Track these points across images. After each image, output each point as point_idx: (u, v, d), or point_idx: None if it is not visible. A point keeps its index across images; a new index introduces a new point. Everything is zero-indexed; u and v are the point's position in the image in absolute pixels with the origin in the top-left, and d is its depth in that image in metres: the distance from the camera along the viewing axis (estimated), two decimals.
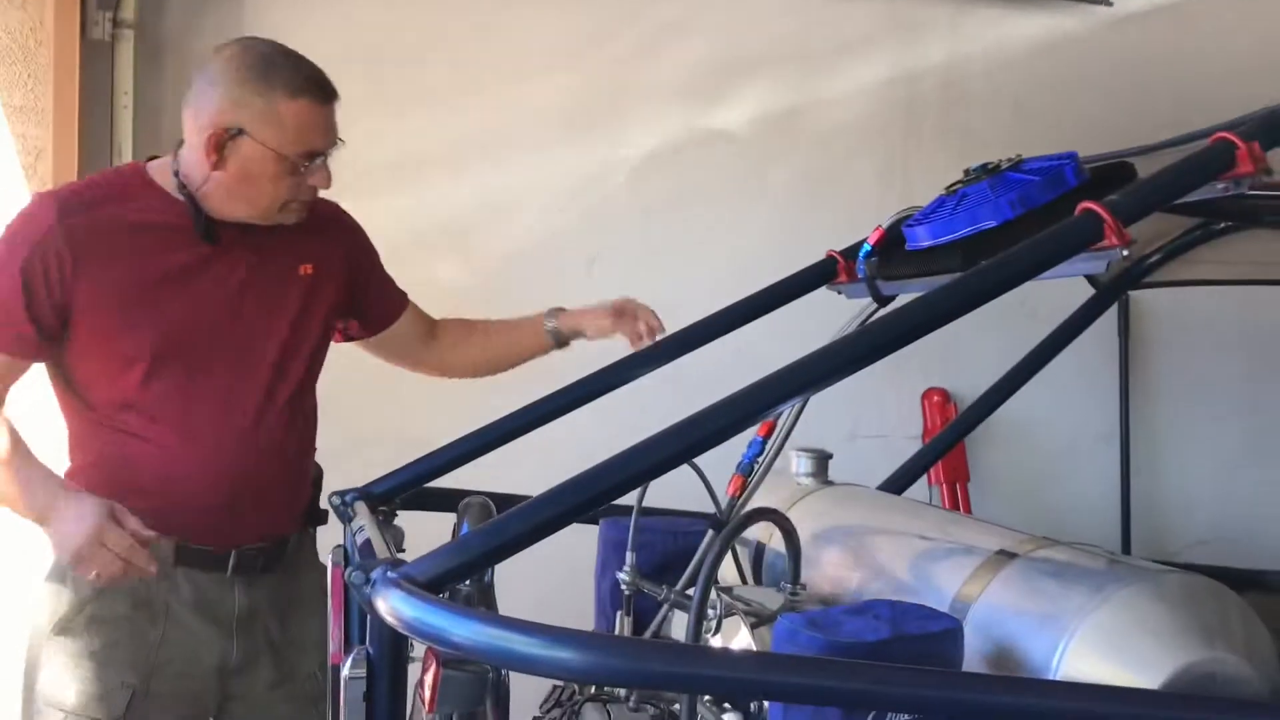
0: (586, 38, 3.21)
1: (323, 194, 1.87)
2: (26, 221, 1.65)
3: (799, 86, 3.35)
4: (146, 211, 1.68)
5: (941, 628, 1.13)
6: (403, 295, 2.05)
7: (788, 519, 1.46)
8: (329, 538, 1.82)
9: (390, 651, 1.10)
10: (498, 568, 1.27)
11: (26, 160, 2.47)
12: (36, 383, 1.76)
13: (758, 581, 1.78)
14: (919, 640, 1.10)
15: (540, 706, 1.73)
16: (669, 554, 1.74)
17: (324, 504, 1.89)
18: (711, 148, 3.28)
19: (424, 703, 1.13)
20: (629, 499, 1.47)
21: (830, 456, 1.92)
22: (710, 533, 1.70)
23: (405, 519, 1.84)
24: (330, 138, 1.70)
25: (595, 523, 1.80)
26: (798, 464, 1.91)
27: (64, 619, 1.67)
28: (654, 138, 3.26)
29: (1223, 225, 2.32)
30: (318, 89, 1.68)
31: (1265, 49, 3.30)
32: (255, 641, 1.75)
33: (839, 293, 1.92)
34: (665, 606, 1.64)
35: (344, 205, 3.20)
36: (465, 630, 0.96)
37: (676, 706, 1.47)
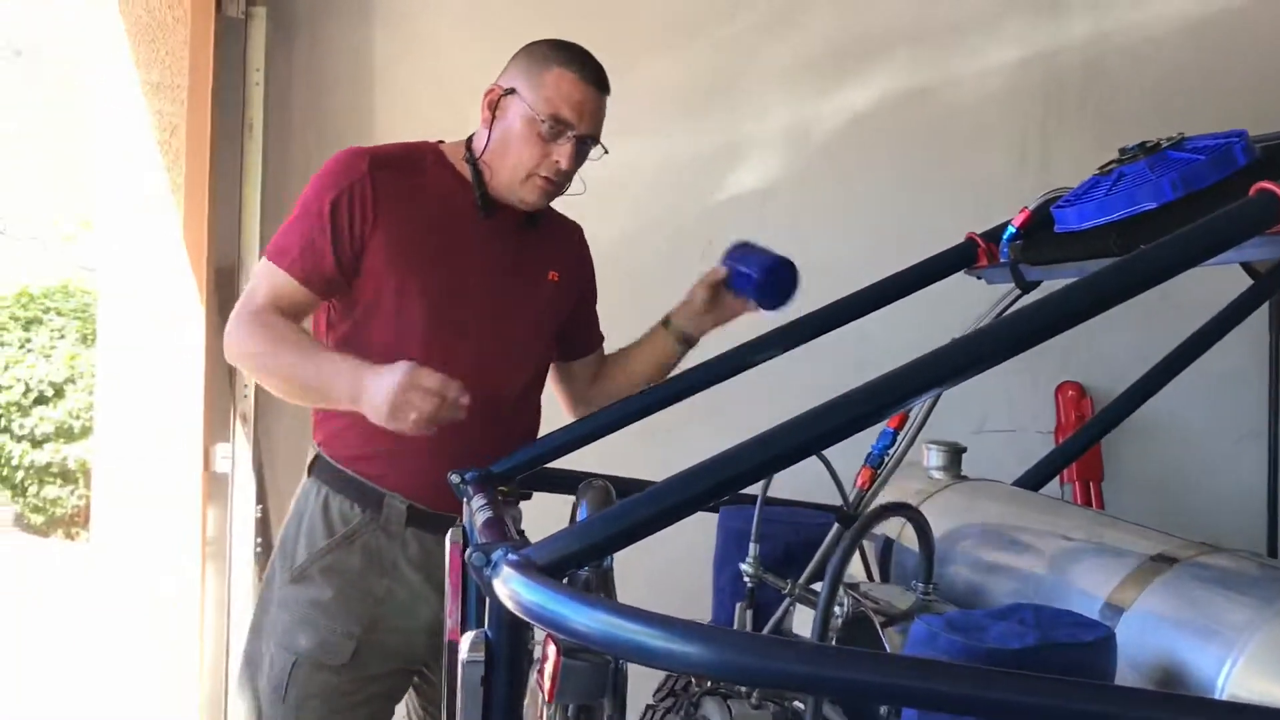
0: (705, 16, 3.15)
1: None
2: (340, 165, 1.78)
3: (928, 65, 3.24)
4: (438, 184, 1.83)
5: (1094, 636, 1.05)
6: (601, 335, 2.15)
7: (922, 515, 1.39)
8: None
9: (509, 636, 1.07)
10: None
11: (161, 136, 2.51)
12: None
13: (884, 578, 1.72)
14: (1069, 649, 1.02)
15: (654, 695, 1.70)
16: (792, 546, 1.69)
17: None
18: (835, 129, 3.20)
19: (542, 690, 1.09)
20: (752, 488, 1.41)
21: (964, 450, 1.84)
22: (836, 526, 1.65)
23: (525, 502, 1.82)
24: (582, 117, 1.77)
25: (714, 510, 1.76)
26: (929, 457, 1.83)
27: (300, 568, 1.80)
28: (774, 119, 3.19)
29: None
30: (583, 65, 1.79)
31: None
32: None
33: (978, 277, 1.83)
34: (788, 601, 1.59)
35: None
36: (586, 619, 0.92)
37: (799, 704, 1.42)
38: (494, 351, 1.86)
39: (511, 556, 1.01)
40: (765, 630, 1.61)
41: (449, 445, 1.73)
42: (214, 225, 2.64)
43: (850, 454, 1.47)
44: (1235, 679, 1.03)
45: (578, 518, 1.42)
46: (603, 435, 1.83)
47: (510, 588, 0.99)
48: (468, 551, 1.08)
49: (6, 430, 7.60)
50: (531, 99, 1.77)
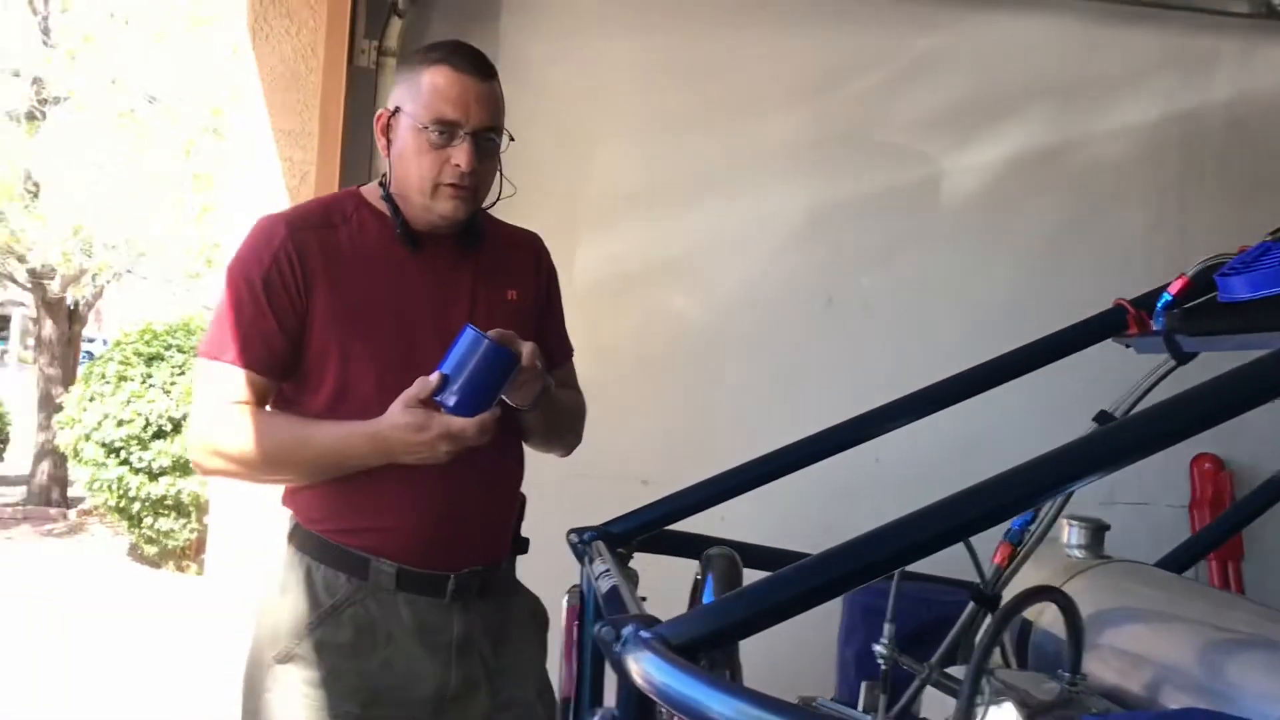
0: (832, 70, 3.13)
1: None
2: (259, 238, 1.68)
3: (1059, 122, 3.16)
4: (359, 232, 1.70)
5: None
6: (569, 348, 1.95)
7: (1072, 601, 1.29)
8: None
9: (639, 716, 1.01)
10: None
11: (291, 183, 2.55)
12: None
13: (1020, 664, 1.61)
14: None
15: None
16: (922, 624, 1.61)
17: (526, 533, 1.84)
18: (960, 185, 3.13)
19: None
20: None
21: (1107, 528, 1.73)
22: (971, 605, 1.57)
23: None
24: (468, 111, 1.63)
25: None
26: (1070, 534, 1.72)
27: (286, 649, 1.66)
28: (898, 174, 3.14)
29: None
30: (455, 58, 1.65)
31: None
32: (472, 669, 1.69)
33: (1126, 345, 1.73)
34: (919, 683, 1.51)
35: (580, 233, 3.28)
36: (725, 707, 0.86)
37: None
38: None
39: (644, 634, 0.96)
40: (893, 713, 1.53)
41: (433, 498, 1.66)
42: None
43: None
44: None
45: (705, 588, 1.35)
46: (723, 500, 1.78)
47: (643, 668, 0.93)
48: (597, 625, 1.02)
49: (126, 463, 7.84)
50: (413, 109, 1.64)
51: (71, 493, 10.45)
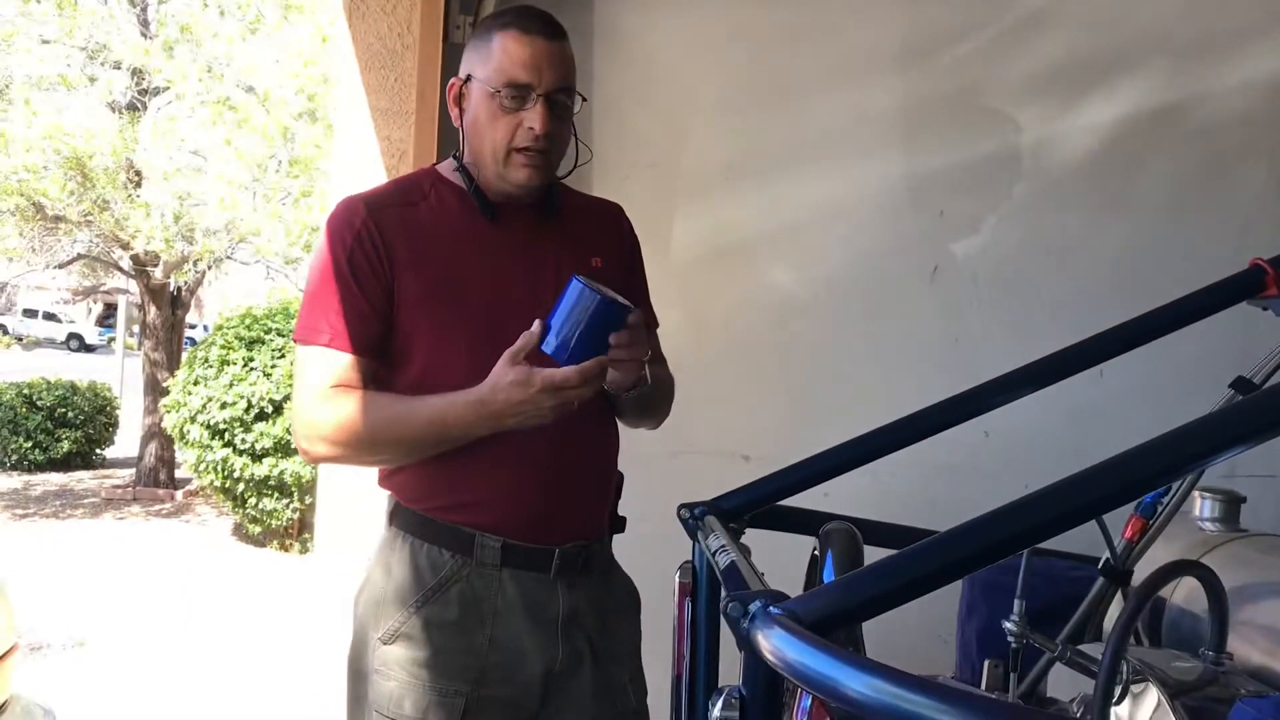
0: (933, 32, 3.01)
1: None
2: (340, 221, 1.67)
3: (1175, 78, 2.99)
4: (438, 208, 1.70)
5: None
6: (655, 321, 1.92)
7: (1215, 575, 1.24)
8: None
9: (766, 694, 0.98)
10: None
11: (390, 162, 2.56)
12: None
13: (1153, 642, 1.55)
14: None
15: None
16: (1048, 601, 1.55)
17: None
18: (1070, 148, 2.99)
19: None
20: None
21: (1243, 500, 1.66)
22: (1101, 580, 1.51)
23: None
24: (539, 73, 1.61)
25: None
26: (1202, 507, 1.66)
27: (392, 629, 1.65)
28: (1004, 138, 3.00)
29: None
30: (524, 20, 1.64)
31: None
32: (577, 646, 1.69)
33: (1263, 308, 1.65)
34: (1044, 660, 1.46)
35: (676, 206, 3.24)
36: (862, 685, 0.82)
37: None
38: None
39: (774, 610, 0.93)
40: (1020, 692, 1.48)
41: (535, 470, 1.66)
42: None
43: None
44: None
45: (825, 564, 1.32)
46: (834, 475, 1.74)
47: (774, 644, 0.90)
48: (724, 601, 0.99)
49: (230, 445, 8.05)
50: (484, 75, 1.62)
51: (178, 474, 10.79)
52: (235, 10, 9.66)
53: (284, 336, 8.41)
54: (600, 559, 1.76)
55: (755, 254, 3.11)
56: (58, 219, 9.92)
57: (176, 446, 9.12)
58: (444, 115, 2.62)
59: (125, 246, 10.14)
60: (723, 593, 1.25)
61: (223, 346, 8.36)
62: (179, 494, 10.59)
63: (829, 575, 1.31)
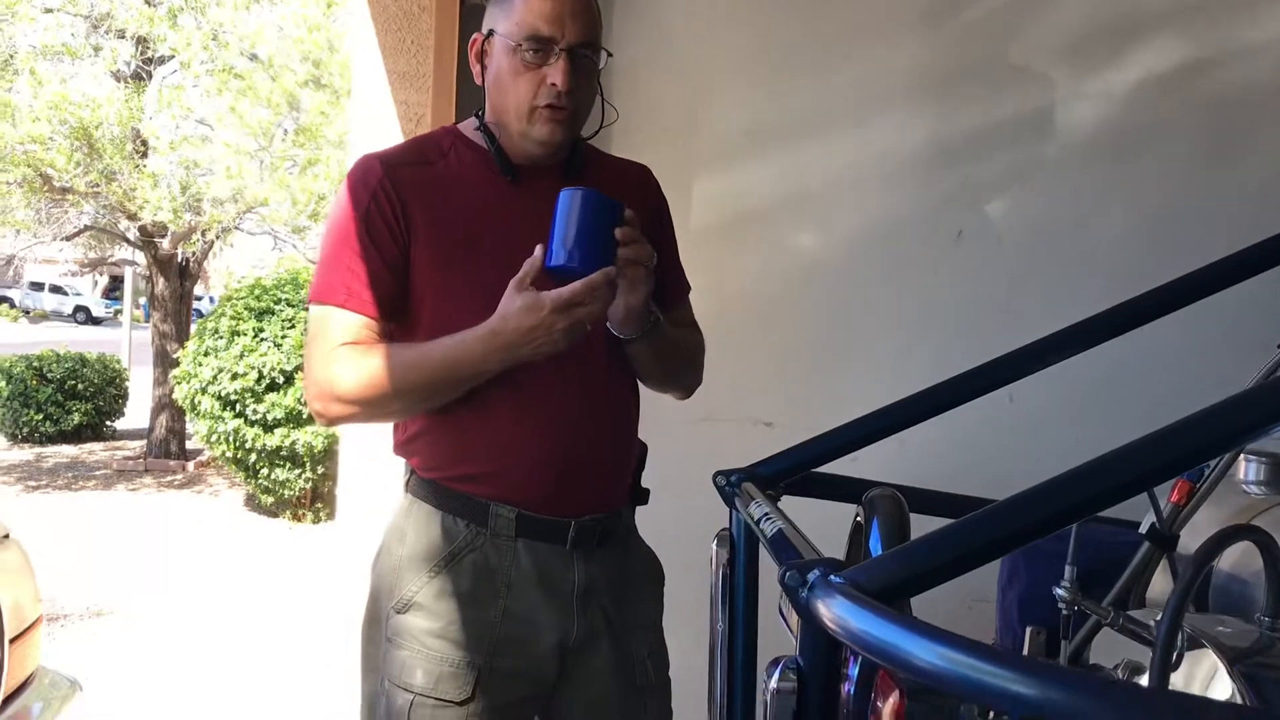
0: None
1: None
2: (356, 179, 1.66)
3: (1210, 36, 2.91)
4: (457, 167, 1.68)
5: None
6: (686, 285, 1.90)
7: (1274, 540, 1.21)
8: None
9: (826, 665, 0.96)
10: None
11: (407, 126, 2.53)
12: None
13: (1199, 607, 1.53)
14: None
15: None
16: (1090, 567, 1.52)
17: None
18: (1096, 110, 2.93)
19: None
20: None
21: None
22: (1146, 545, 1.48)
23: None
24: (562, 26, 1.58)
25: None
26: (1247, 470, 1.61)
27: (405, 598, 1.63)
28: (1030, 99, 2.94)
29: None
30: None
31: None
32: (594, 620, 1.67)
33: None
34: (1089, 625, 1.44)
35: (698, 170, 3.21)
36: (932, 655, 0.80)
37: None
38: None
39: (835, 579, 0.91)
40: (1064, 658, 1.46)
41: (551, 437, 1.63)
42: None
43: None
44: None
45: (870, 532, 1.30)
46: (870, 443, 1.73)
47: (836, 614, 0.88)
48: (782, 570, 0.97)
49: (241, 416, 8.05)
50: (506, 29, 1.60)
51: (189, 445, 10.81)
52: None
53: (294, 307, 8.39)
54: (619, 531, 1.74)
55: (777, 219, 3.08)
56: (65, 190, 9.88)
57: (188, 418, 9.12)
58: (462, 79, 2.60)
59: (132, 217, 10.11)
60: (766, 560, 1.23)
61: (233, 317, 8.35)
62: (190, 465, 10.62)
63: (875, 543, 1.29)
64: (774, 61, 3.03)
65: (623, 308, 1.59)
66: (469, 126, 1.72)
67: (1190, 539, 1.49)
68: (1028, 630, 1.50)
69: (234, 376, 8.03)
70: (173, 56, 9.93)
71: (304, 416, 7.94)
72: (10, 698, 2.63)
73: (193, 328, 9.79)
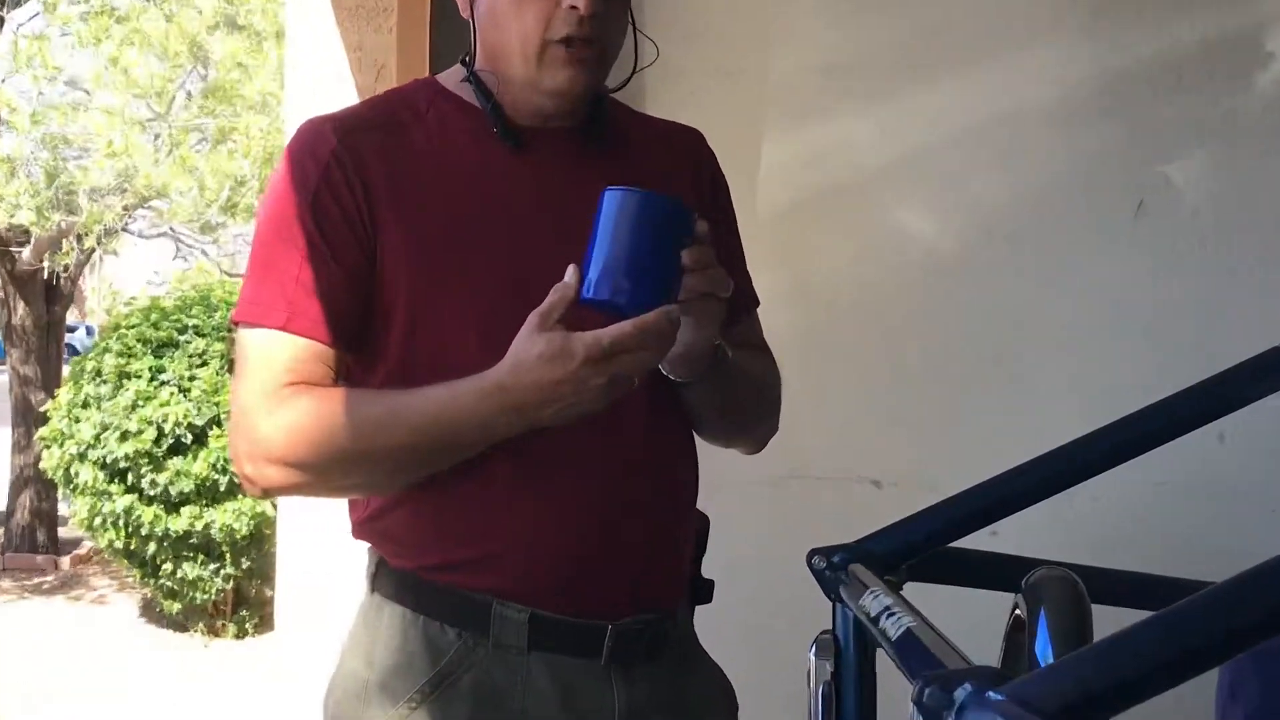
0: None
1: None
2: (301, 149, 1.65)
3: None
4: (439, 131, 1.68)
5: None
6: (753, 298, 1.89)
7: None
8: None
9: None
10: None
11: (363, 81, 2.55)
12: None
13: None
14: None
15: None
16: None
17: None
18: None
19: None
20: None
21: None
22: None
23: None
24: None
25: None
26: None
27: None
28: (1237, 16, 2.89)
29: None
30: None
31: None
32: None
33: None
34: None
35: (764, 128, 3.24)
36: None
37: None
38: None
39: (994, 695, 0.91)
40: None
41: (576, 508, 1.62)
42: None
43: None
44: None
45: (1037, 629, 1.30)
46: (1034, 501, 1.74)
47: None
48: (918, 687, 0.98)
49: (135, 490, 8.07)
50: None
51: (63, 534, 10.88)
52: None
53: (205, 336, 8.44)
54: (673, 639, 1.72)
55: (874, 192, 3.11)
56: None
57: (61, 494, 9.20)
58: (440, 12, 2.61)
59: None
60: (887, 671, 1.22)
61: (120, 354, 8.39)
62: (65, 561, 10.69)
63: (1044, 646, 1.30)
64: None
65: (682, 345, 1.55)
66: (453, 78, 1.73)
67: None
68: None
69: (124, 436, 8.06)
70: None
71: (222, 489, 7.96)
72: None
73: (65, 369, 9.87)
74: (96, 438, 8.14)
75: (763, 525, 2.71)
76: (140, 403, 8.15)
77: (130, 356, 8.38)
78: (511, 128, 1.67)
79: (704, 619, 1.80)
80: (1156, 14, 2.92)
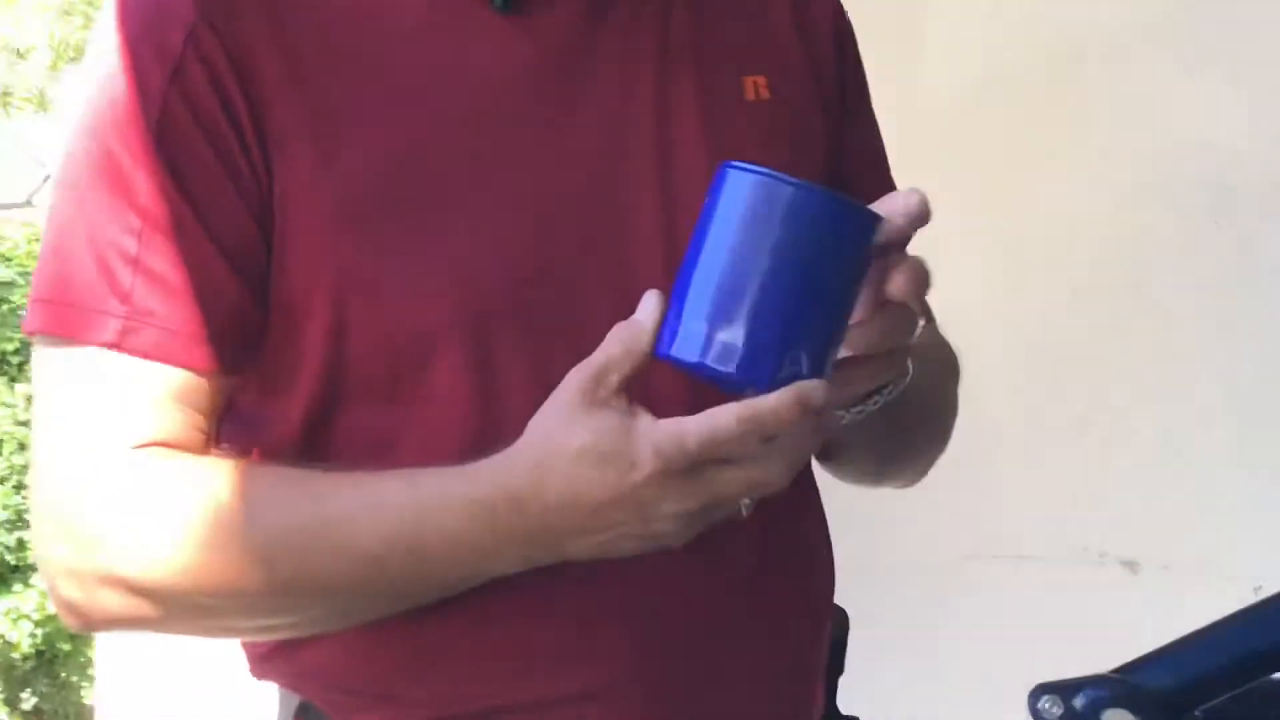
0: None
1: None
2: (136, 31, 1.23)
3: None
4: None
5: None
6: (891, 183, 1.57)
7: None
8: None
9: None
10: None
11: None
12: None
13: None
14: None
15: None
16: None
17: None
18: None
19: None
20: None
21: None
22: None
23: None
24: None
25: None
26: None
27: None
28: None
29: None
30: None
31: None
32: None
33: None
34: None
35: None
36: None
37: None
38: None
39: None
40: None
41: (645, 622, 1.30)
42: None
43: None
44: None
45: None
46: None
47: None
48: None
49: None
50: None
51: None
52: None
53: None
54: None
55: (1109, 102, 2.71)
56: None
57: None
58: None
59: None
60: None
61: None
62: None
63: None
64: None
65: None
66: None
67: None
68: None
69: None
70: None
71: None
72: None
73: None
74: None
75: (937, 631, 2.39)
76: None
77: None
78: None
79: None
80: None
